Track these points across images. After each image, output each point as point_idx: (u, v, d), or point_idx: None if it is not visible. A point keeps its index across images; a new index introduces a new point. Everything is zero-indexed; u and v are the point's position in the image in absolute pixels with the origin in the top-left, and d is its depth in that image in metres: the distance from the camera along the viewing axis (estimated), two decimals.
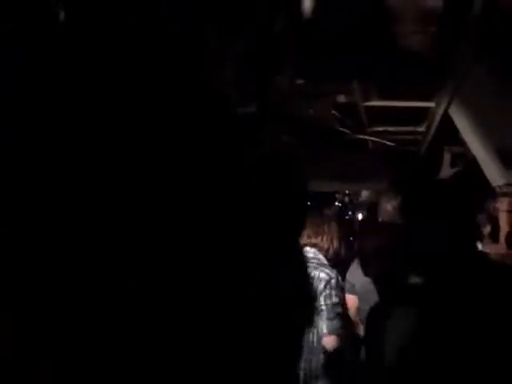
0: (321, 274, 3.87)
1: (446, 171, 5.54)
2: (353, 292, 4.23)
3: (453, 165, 5.59)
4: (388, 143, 5.52)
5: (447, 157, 5.54)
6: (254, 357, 2.04)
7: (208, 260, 1.86)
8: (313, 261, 4.00)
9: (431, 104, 4.24)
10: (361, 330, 4.14)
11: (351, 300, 4.28)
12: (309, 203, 7.83)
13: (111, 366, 1.64)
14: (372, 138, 5.36)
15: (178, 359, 1.74)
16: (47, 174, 2.05)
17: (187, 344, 1.75)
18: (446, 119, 4.21)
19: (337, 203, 13.14)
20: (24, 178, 2.00)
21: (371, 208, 8.12)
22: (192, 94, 2.21)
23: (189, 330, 1.77)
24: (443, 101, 3.92)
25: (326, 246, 4.13)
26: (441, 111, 4.16)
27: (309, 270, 4.00)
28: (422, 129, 5.17)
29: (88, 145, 2.10)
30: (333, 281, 3.85)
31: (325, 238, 4.16)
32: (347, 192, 12.56)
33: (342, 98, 4.28)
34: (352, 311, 4.32)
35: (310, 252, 4.08)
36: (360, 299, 4.10)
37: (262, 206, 2.11)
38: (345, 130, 5.03)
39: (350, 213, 13.14)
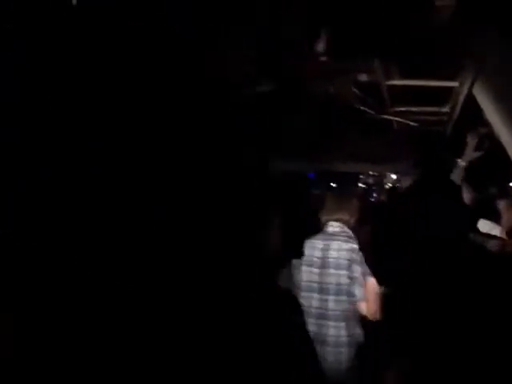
0: (353, 245, 4.31)
1: (471, 153, 5.44)
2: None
3: (477, 146, 5.49)
4: (411, 123, 5.45)
5: (472, 138, 5.43)
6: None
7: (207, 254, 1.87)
8: (342, 234, 4.39)
9: (455, 83, 4.16)
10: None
11: (374, 284, 4.29)
12: (333, 184, 7.75)
13: (111, 365, 1.66)
14: (395, 118, 5.29)
15: (178, 358, 1.75)
16: (47, 174, 2.06)
17: (190, 340, 1.76)
18: (470, 99, 4.13)
19: (361, 185, 13.05)
20: (24, 178, 2.02)
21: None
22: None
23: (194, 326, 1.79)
24: (467, 80, 3.85)
25: (346, 218, 4.55)
26: (464, 91, 4.08)
27: (340, 242, 4.23)
28: (446, 109, 5.09)
29: (88, 145, 2.11)
30: (359, 252, 4.30)
31: (346, 213, 4.55)
32: (372, 173, 12.44)
33: (363, 77, 4.22)
34: (376, 296, 4.27)
35: (337, 226, 4.49)
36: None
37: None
38: (367, 110, 4.96)
39: (374, 195, 13.01)
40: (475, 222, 4.54)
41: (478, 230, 4.32)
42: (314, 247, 4.41)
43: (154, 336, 1.77)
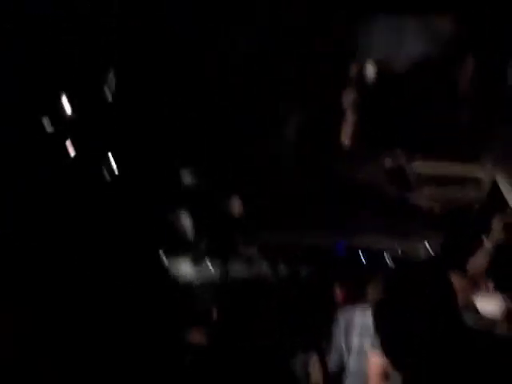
0: None
1: (497, 235, 5.49)
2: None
3: (504, 229, 5.53)
4: (436, 207, 5.55)
5: (498, 221, 5.49)
6: None
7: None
8: None
9: (478, 171, 4.29)
10: None
11: (379, 361, 4.13)
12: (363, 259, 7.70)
13: (110, 365, 1.68)
14: (420, 202, 5.40)
15: (177, 358, 1.78)
16: (47, 174, 2.13)
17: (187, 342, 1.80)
18: (495, 186, 4.24)
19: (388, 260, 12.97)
20: (24, 177, 2.08)
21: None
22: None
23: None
24: (490, 169, 3.98)
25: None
26: (488, 178, 4.20)
27: None
28: (472, 192, 5.19)
29: (88, 145, 2.18)
30: None
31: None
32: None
33: (390, 162, 4.38)
34: (376, 373, 4.14)
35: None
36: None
37: None
38: (394, 192, 5.10)
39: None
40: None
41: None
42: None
43: (154, 336, 1.80)
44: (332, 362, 4.75)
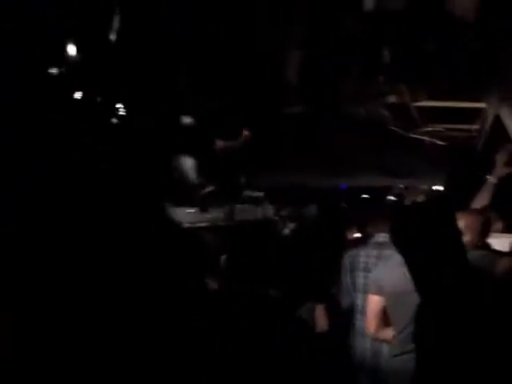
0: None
1: (500, 169, 5.49)
2: (379, 293, 4.16)
3: (507, 163, 5.53)
4: (440, 143, 5.55)
5: (501, 155, 5.48)
6: None
7: None
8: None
9: (482, 105, 4.27)
10: (389, 333, 4.11)
11: (376, 301, 4.17)
12: (366, 196, 7.77)
13: (110, 365, 1.70)
14: (425, 138, 5.40)
15: (177, 357, 1.80)
16: (47, 174, 2.13)
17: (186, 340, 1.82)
18: (498, 120, 4.23)
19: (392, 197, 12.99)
20: (24, 177, 2.08)
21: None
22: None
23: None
24: (493, 102, 3.96)
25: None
26: (492, 112, 4.19)
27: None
28: (475, 127, 5.19)
29: (88, 146, 2.18)
30: None
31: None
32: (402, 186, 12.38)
33: (393, 98, 4.36)
34: (374, 313, 4.21)
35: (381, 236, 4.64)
36: (391, 300, 4.06)
37: None
38: (397, 130, 5.09)
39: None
40: None
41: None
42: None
43: (154, 336, 1.81)
44: (342, 301, 4.95)
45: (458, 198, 5.52)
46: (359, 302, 4.67)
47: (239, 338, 2.23)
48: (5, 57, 2.17)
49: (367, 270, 4.71)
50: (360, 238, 5.39)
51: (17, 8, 2.12)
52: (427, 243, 2.23)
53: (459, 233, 2.27)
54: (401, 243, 2.28)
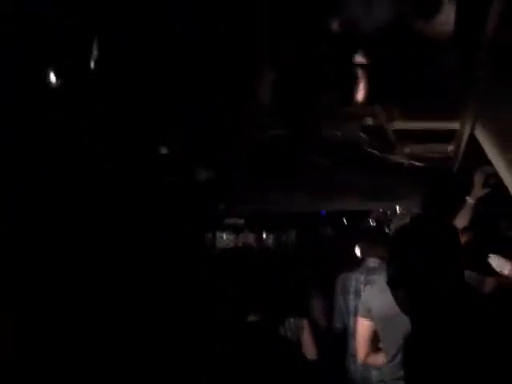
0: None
1: (478, 190, 5.54)
2: (367, 317, 4.19)
3: (485, 184, 5.59)
4: (417, 164, 5.59)
5: (478, 175, 5.54)
6: None
7: None
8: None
9: (456, 125, 4.31)
10: (379, 359, 4.12)
11: (364, 325, 4.21)
12: (344, 220, 7.86)
13: (110, 365, 1.69)
14: (401, 160, 5.44)
15: (177, 357, 1.80)
16: (47, 173, 2.13)
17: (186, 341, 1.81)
18: (473, 140, 4.26)
19: (370, 220, 13.02)
20: (24, 177, 2.08)
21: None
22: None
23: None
24: (468, 122, 3.99)
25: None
26: (466, 132, 4.22)
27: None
28: (451, 148, 5.23)
29: (88, 146, 2.18)
30: None
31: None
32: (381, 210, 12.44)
33: (369, 121, 4.39)
34: (362, 337, 4.24)
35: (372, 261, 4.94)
36: (380, 324, 4.06)
37: None
38: (373, 151, 5.13)
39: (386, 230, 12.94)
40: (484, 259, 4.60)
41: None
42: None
43: (153, 336, 1.80)
44: (335, 322, 5.12)
45: (438, 219, 5.54)
46: (351, 324, 4.83)
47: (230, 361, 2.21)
48: (5, 57, 2.17)
49: (358, 293, 4.84)
50: (351, 261, 5.48)
51: (17, 8, 2.11)
52: (425, 262, 2.23)
53: (457, 250, 2.29)
54: (399, 265, 2.28)
